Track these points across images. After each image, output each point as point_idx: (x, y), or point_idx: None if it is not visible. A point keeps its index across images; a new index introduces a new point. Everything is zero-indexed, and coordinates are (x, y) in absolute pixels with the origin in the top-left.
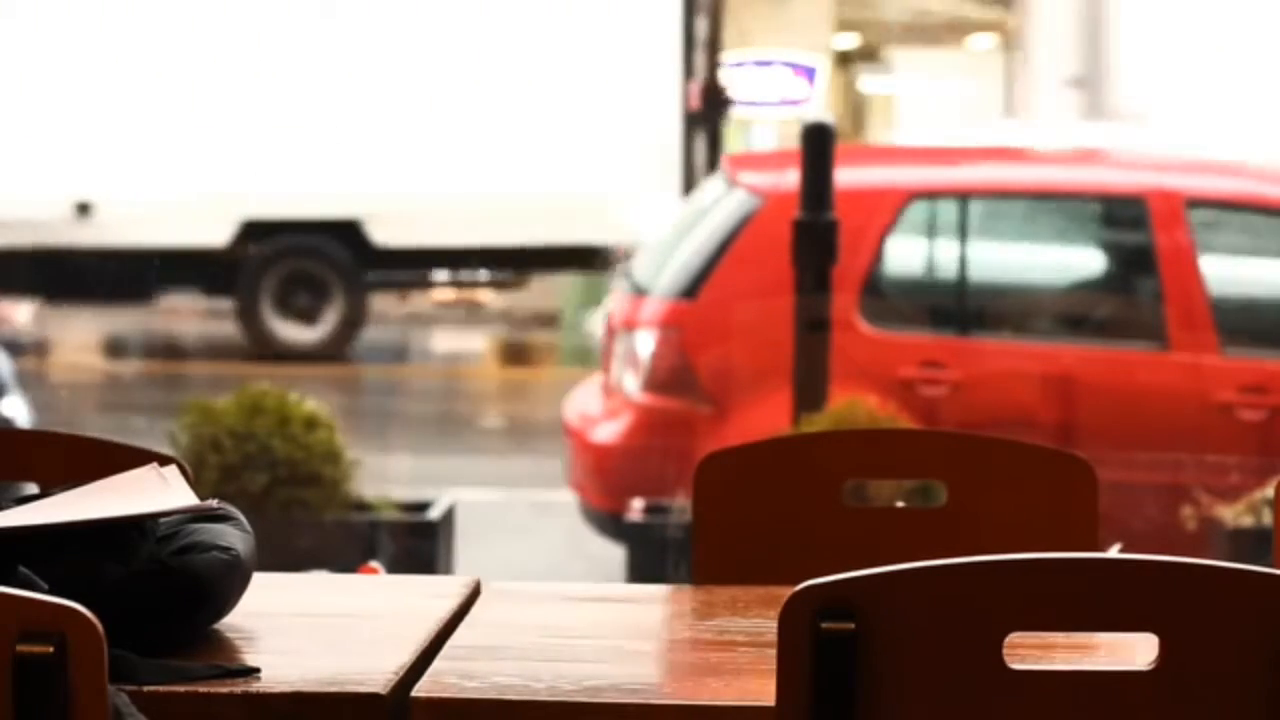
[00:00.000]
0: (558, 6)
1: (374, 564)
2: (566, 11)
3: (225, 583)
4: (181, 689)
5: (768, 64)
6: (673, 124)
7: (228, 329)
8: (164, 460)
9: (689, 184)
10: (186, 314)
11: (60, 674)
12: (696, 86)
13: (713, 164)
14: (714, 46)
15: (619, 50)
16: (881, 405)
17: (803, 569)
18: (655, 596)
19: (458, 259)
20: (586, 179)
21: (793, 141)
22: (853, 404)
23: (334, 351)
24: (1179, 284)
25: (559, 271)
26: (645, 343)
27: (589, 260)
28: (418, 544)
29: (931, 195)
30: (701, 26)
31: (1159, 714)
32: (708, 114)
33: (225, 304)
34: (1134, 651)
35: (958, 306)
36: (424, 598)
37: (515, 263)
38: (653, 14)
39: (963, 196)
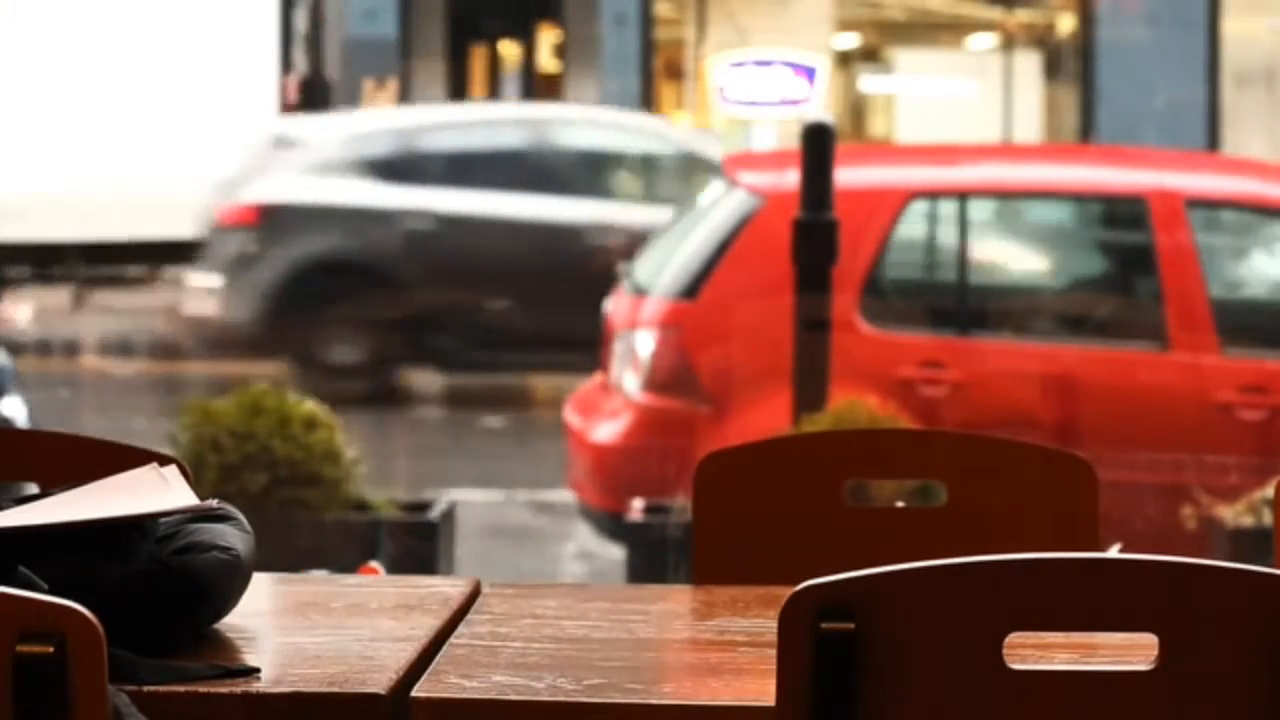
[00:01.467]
0: None
1: (374, 564)
2: (158, 2)
3: (225, 583)
4: (181, 689)
5: (768, 64)
6: (268, 118)
7: None
8: (164, 460)
9: None
10: None
11: (60, 674)
12: (293, 81)
13: None
14: (314, 41)
15: (213, 43)
16: (881, 405)
17: (803, 569)
18: (655, 596)
19: (52, 255)
20: (181, 173)
21: (793, 141)
22: (853, 404)
23: None
24: (1179, 284)
25: (168, 265)
26: (645, 343)
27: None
28: (418, 544)
29: (931, 195)
30: (301, 20)
31: (1159, 714)
32: (305, 108)
33: None
34: (1134, 651)
35: (958, 306)
36: (424, 598)
37: (119, 258)
38: (248, 7)
39: (962, 196)
